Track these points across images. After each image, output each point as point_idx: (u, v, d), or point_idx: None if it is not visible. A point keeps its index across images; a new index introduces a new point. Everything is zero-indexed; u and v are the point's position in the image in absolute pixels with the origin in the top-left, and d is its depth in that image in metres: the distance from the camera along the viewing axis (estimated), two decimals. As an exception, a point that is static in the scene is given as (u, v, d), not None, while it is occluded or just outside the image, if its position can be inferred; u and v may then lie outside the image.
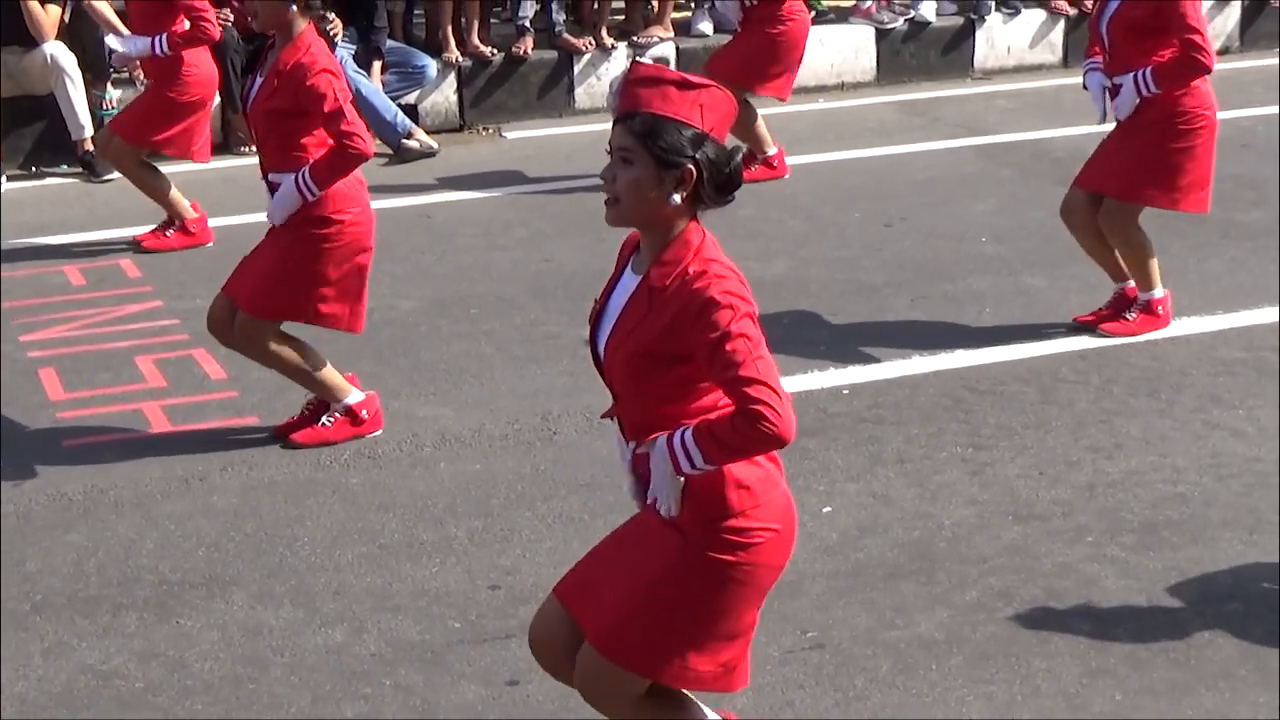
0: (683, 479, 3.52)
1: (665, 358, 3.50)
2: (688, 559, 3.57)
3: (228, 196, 9.32)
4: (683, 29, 11.90)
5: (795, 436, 3.41)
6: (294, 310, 6.15)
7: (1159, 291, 7.20)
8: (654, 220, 3.50)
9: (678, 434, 3.49)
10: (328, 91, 5.89)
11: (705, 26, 11.90)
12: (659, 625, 3.61)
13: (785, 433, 3.37)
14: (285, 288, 6.09)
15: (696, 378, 3.52)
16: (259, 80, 6.07)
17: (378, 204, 9.34)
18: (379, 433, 6.31)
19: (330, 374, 6.25)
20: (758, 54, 9.44)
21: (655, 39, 11.57)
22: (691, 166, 3.45)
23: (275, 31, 6.05)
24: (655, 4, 11.91)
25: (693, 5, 12.14)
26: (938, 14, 12.41)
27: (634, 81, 3.51)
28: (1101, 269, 7.30)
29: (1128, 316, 7.22)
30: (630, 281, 3.61)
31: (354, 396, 6.28)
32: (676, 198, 3.46)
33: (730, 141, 3.58)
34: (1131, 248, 7.13)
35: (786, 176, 9.81)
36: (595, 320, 3.69)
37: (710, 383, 3.50)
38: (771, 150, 9.85)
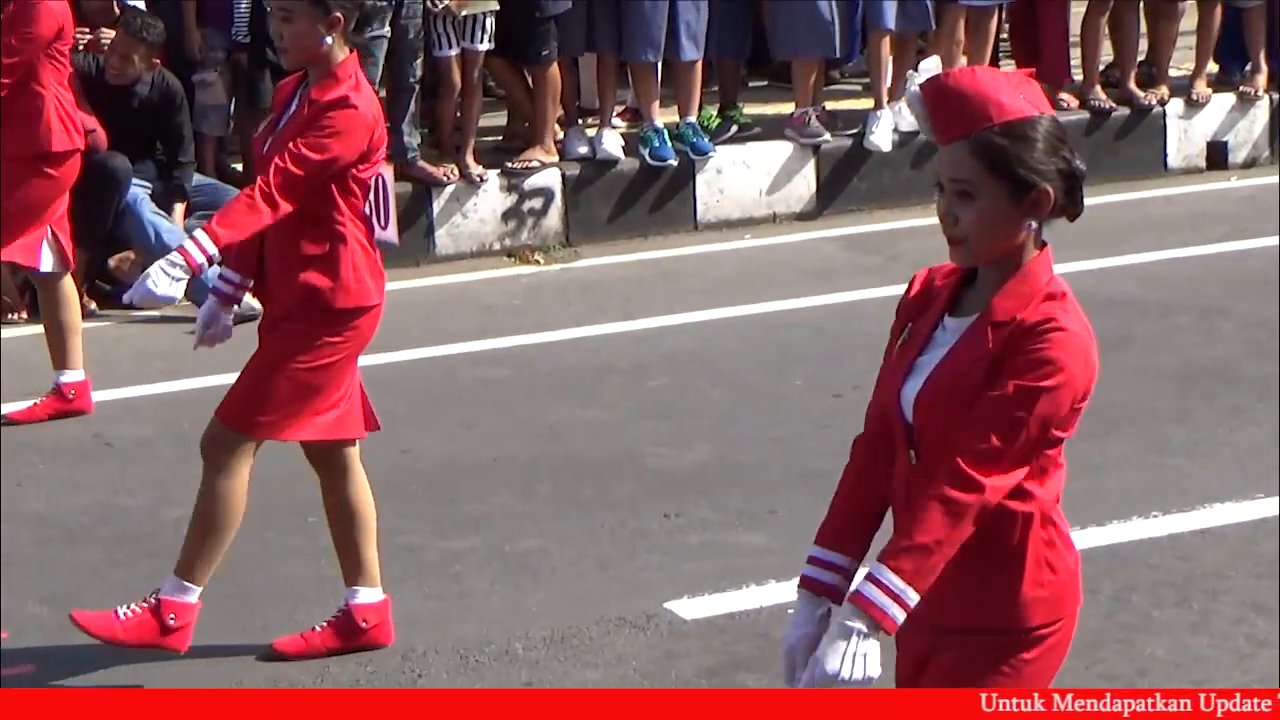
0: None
1: None
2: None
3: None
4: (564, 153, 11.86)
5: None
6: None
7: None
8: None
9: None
10: None
11: (583, 149, 11.93)
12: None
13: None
14: None
15: None
16: None
17: (181, 382, 9.38)
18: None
19: None
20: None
21: (536, 163, 11.59)
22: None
23: None
24: (530, 121, 11.89)
25: (574, 122, 12.13)
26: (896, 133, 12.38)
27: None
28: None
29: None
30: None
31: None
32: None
33: None
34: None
35: (90, 413, 9.09)
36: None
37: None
38: (74, 376, 9.09)
